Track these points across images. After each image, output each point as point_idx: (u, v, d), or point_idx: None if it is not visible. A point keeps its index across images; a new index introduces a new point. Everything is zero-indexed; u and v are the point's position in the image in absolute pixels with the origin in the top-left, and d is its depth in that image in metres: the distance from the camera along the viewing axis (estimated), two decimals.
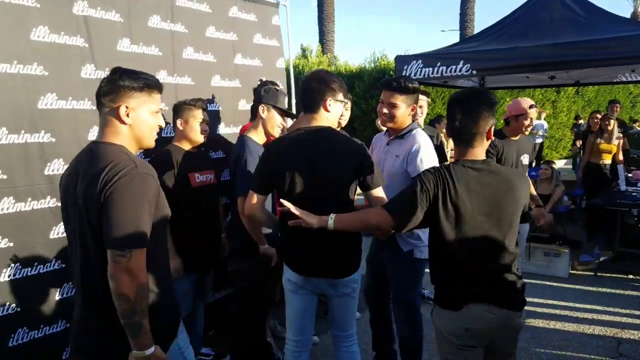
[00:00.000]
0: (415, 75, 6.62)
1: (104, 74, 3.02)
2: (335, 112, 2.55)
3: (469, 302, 2.08)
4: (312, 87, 2.51)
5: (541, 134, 13.31)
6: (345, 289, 2.59)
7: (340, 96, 2.54)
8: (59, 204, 2.83)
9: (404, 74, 6.80)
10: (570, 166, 14.19)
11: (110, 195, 1.67)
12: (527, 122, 4.06)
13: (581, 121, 14.18)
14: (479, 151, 2.14)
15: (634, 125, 13.61)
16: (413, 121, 3.05)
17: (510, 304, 2.13)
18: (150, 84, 1.88)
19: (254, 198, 2.55)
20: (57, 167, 2.91)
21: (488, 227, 2.07)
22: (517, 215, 2.14)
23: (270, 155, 2.53)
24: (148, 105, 1.88)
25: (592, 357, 3.69)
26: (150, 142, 1.96)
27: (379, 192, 2.51)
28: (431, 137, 4.31)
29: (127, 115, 1.84)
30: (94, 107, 2.95)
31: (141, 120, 1.87)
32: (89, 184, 1.73)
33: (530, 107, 4.06)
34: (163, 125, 1.99)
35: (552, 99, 15.63)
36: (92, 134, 3.04)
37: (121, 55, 3.20)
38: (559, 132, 16.28)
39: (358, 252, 2.59)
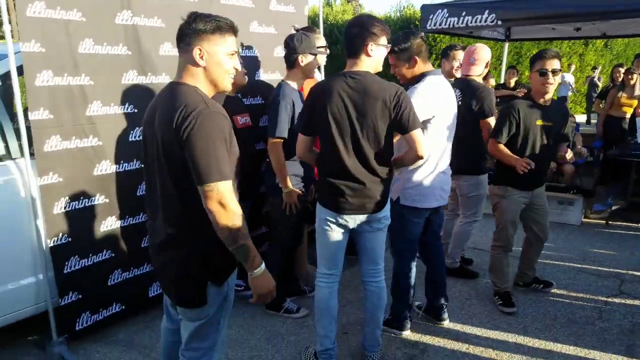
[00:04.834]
0: (440, 25, 6.57)
1: (139, 19, 3.25)
2: (377, 57, 2.61)
3: None
4: (353, 33, 2.58)
5: (569, 86, 13.12)
6: (378, 224, 2.77)
7: (382, 40, 2.60)
8: (100, 143, 3.16)
9: (428, 23, 6.75)
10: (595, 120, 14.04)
11: (188, 136, 1.75)
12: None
13: (595, 72, 13.85)
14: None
15: None
16: (425, 72, 3.05)
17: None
18: (222, 26, 1.89)
19: (300, 139, 2.77)
20: (96, 108, 3.14)
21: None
22: None
23: (312, 97, 2.68)
24: (221, 47, 1.90)
25: (596, 295, 3.90)
26: (225, 84, 1.98)
27: (414, 134, 2.57)
28: None
29: (202, 57, 1.88)
30: (129, 52, 3.23)
31: (215, 63, 1.90)
32: (165, 121, 1.83)
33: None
34: (239, 68, 2.01)
35: (579, 52, 15.30)
36: (126, 79, 3.27)
37: (155, 2, 3.35)
38: (585, 86, 16.01)
39: (387, 188, 2.72)
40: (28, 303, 3.09)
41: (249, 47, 3.99)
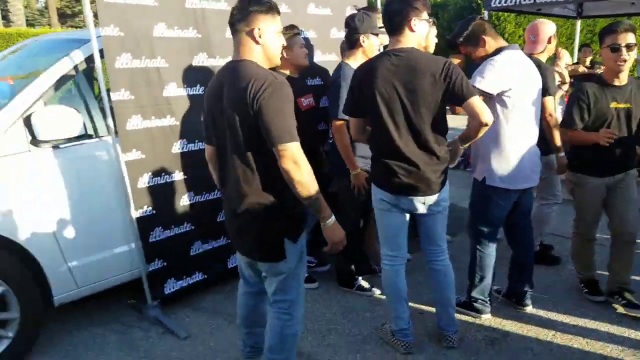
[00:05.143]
0: (505, 2, 6.38)
1: (207, 3, 3.37)
2: (420, 32, 2.57)
3: None
4: (395, 9, 2.53)
5: None
6: (436, 207, 2.72)
7: (424, 15, 2.55)
8: (177, 123, 3.28)
9: (493, 1, 6.55)
10: None
11: (260, 105, 1.95)
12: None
13: None
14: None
15: None
16: (502, 47, 2.97)
17: None
18: (273, 7, 2.11)
19: (352, 122, 2.78)
20: (172, 89, 3.27)
21: None
22: None
23: (358, 79, 2.65)
24: (274, 26, 2.11)
25: None
26: (278, 60, 2.20)
27: (473, 102, 2.47)
28: None
29: (260, 36, 2.07)
30: (199, 35, 3.34)
31: (270, 40, 2.11)
32: (236, 96, 2.00)
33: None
34: (286, 44, 2.19)
35: None
36: (197, 61, 3.38)
37: None
38: None
39: (444, 170, 2.67)
40: (125, 269, 3.31)
41: (306, 30, 3.97)
